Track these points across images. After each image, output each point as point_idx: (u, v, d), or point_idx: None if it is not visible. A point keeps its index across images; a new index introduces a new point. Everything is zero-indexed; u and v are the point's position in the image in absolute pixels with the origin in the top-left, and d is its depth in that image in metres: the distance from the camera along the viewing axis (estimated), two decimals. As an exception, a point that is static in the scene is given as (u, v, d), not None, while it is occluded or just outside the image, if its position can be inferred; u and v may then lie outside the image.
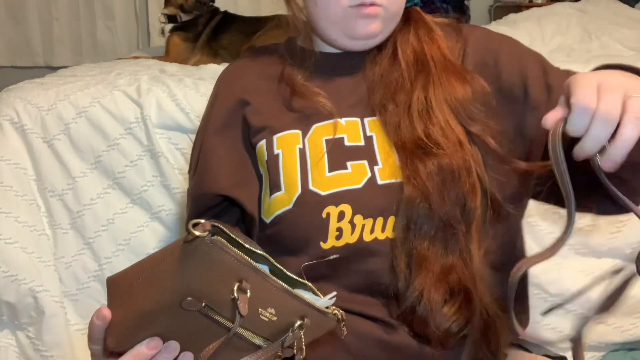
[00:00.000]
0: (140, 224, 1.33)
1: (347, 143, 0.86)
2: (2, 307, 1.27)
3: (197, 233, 0.60)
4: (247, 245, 0.65)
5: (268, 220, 0.84)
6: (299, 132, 0.89)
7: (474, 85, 0.86)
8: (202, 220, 0.61)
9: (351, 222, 0.80)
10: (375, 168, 0.83)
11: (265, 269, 0.65)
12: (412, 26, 0.93)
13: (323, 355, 0.81)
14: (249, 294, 0.62)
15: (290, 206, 0.83)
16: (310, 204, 0.82)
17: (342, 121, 0.88)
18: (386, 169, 0.83)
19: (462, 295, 0.77)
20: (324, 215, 0.81)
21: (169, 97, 1.32)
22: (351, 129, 0.87)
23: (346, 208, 0.81)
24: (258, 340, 0.66)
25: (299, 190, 0.83)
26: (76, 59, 3.98)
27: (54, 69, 2.79)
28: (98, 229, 1.32)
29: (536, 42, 2.24)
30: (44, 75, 1.62)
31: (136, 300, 0.63)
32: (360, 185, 0.82)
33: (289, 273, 0.68)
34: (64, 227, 1.33)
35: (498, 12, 3.74)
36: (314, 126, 0.89)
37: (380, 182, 0.82)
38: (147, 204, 1.32)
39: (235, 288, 0.61)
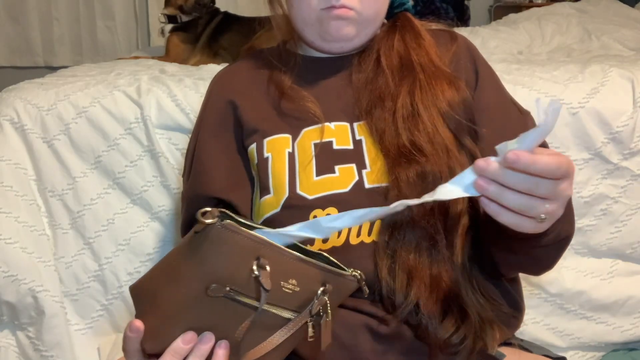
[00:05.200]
0: (141, 224, 1.33)
1: (335, 147, 0.87)
2: (2, 307, 1.27)
3: (207, 221, 0.61)
4: (256, 225, 0.67)
5: (258, 222, 0.85)
6: (289, 136, 0.89)
7: (461, 91, 0.87)
8: (209, 209, 0.62)
9: None
10: (364, 171, 0.84)
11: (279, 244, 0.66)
12: (398, 32, 0.93)
13: (315, 349, 0.81)
14: (268, 269, 0.63)
15: (278, 209, 0.84)
16: (297, 207, 0.83)
17: (332, 125, 0.89)
18: (374, 173, 0.83)
19: (457, 307, 0.78)
20: (310, 218, 0.81)
21: (169, 98, 1.32)
22: (340, 133, 0.88)
23: (333, 211, 0.81)
24: (287, 314, 0.67)
25: (287, 194, 0.84)
26: (76, 59, 3.99)
27: (54, 69, 2.79)
28: (98, 229, 1.32)
29: (536, 42, 2.24)
30: (44, 75, 1.61)
31: (163, 300, 0.63)
32: (347, 189, 0.83)
33: (302, 246, 0.69)
34: (64, 227, 1.33)
35: (498, 12, 3.74)
36: (304, 130, 0.89)
37: (367, 185, 0.83)
38: (147, 204, 1.32)
39: (255, 265, 0.62)
